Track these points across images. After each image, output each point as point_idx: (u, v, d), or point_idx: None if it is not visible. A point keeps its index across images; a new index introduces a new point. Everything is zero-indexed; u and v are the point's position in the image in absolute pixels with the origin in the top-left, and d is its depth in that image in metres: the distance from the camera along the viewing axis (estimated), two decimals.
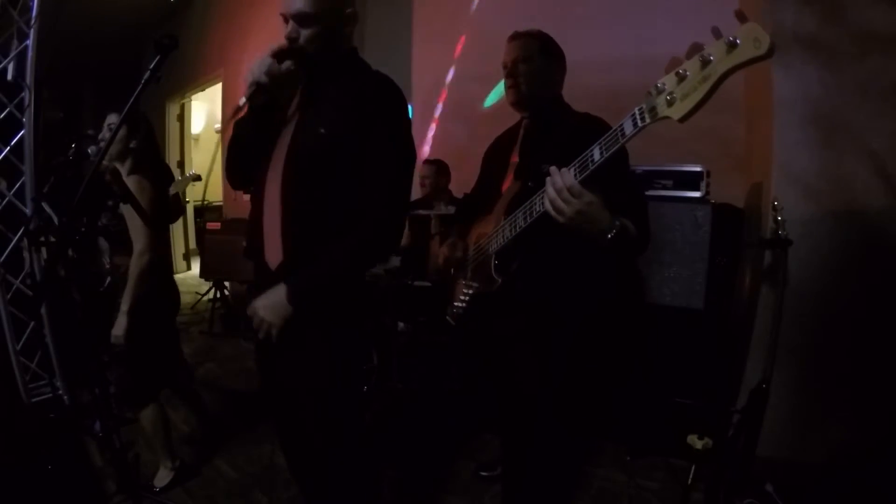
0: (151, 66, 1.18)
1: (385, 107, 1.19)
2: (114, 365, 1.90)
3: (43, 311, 2.44)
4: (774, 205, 1.72)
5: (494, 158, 1.66)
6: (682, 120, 0.80)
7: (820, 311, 1.89)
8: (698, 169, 2.14)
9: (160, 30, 4.99)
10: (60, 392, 2.48)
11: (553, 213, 0.91)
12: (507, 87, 1.51)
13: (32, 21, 2.33)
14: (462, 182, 2.63)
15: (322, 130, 1.18)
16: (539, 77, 1.47)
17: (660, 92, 0.82)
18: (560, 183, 0.89)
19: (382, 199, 1.17)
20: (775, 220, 1.70)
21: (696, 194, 2.13)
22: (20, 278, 2.44)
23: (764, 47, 0.72)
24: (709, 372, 2.08)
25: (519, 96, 1.49)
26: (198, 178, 4.21)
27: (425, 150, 3.89)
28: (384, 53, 3.93)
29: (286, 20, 1.17)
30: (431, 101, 3.89)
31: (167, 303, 2.01)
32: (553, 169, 0.95)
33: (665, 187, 2.19)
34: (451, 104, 3.78)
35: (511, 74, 1.48)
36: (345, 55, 1.27)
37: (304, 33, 1.16)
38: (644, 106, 0.85)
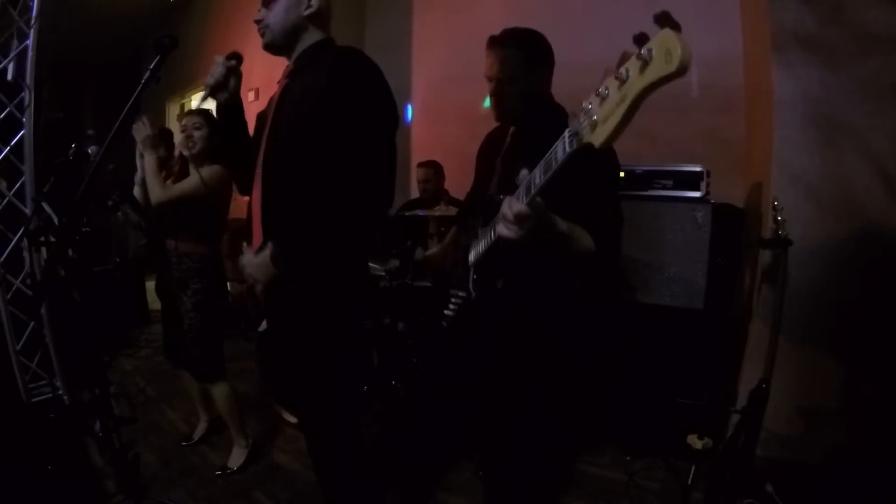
0: (151, 66, 1.19)
1: (347, 78, 1.22)
2: (192, 347, 2.02)
3: (43, 311, 2.45)
4: (774, 205, 1.73)
5: (484, 160, 1.62)
6: (604, 146, 0.69)
7: (820, 311, 1.89)
8: (698, 169, 2.15)
9: (160, 30, 4.99)
10: (60, 392, 2.49)
11: (505, 235, 0.93)
12: (492, 104, 1.41)
13: (32, 21, 2.33)
14: (462, 183, 2.63)
15: (291, 118, 1.26)
16: (524, 94, 1.35)
17: (585, 113, 0.72)
18: (508, 213, 0.89)
19: (363, 163, 1.20)
20: (775, 220, 1.71)
21: (696, 194, 2.13)
22: (20, 278, 2.44)
23: (674, 63, 0.58)
24: (709, 372, 2.08)
25: (503, 116, 1.42)
26: None
27: (426, 151, 3.89)
28: (384, 54, 3.92)
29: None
30: (431, 101, 3.88)
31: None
32: (505, 199, 0.94)
33: (665, 187, 2.19)
34: (451, 104, 3.77)
35: (495, 94, 1.36)
36: (315, 45, 1.32)
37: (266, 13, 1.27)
38: (571, 129, 0.75)
